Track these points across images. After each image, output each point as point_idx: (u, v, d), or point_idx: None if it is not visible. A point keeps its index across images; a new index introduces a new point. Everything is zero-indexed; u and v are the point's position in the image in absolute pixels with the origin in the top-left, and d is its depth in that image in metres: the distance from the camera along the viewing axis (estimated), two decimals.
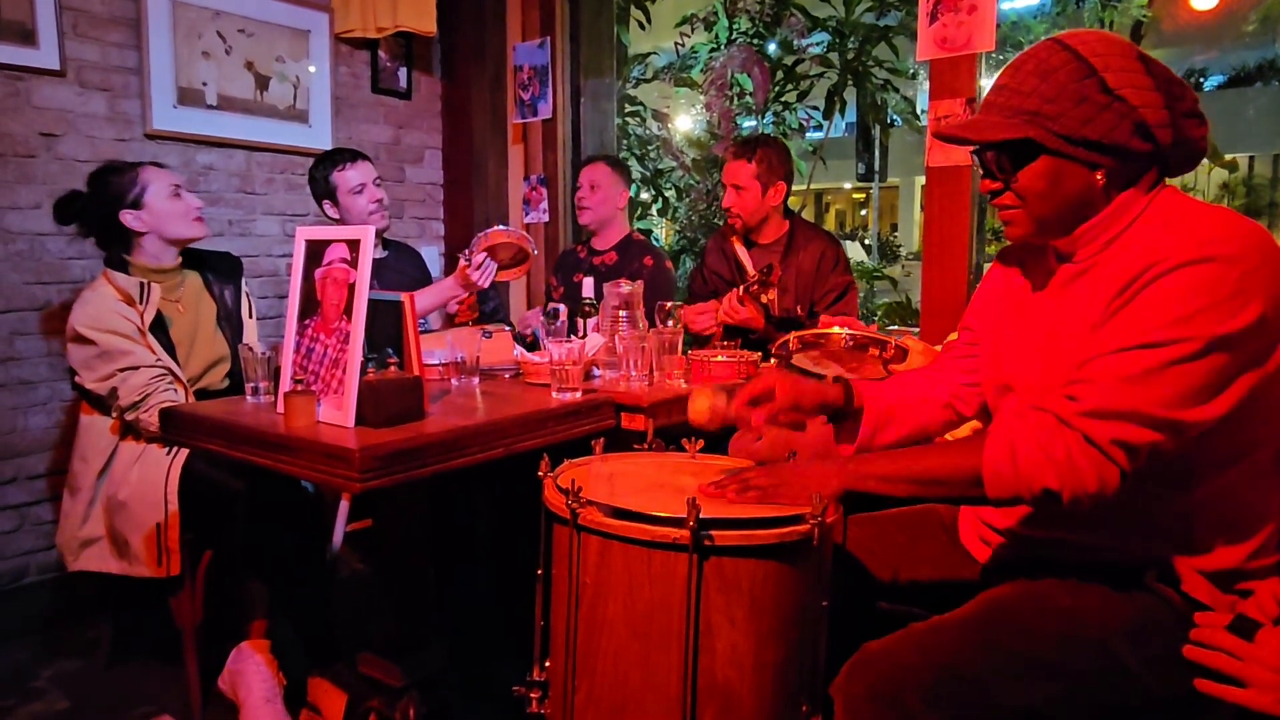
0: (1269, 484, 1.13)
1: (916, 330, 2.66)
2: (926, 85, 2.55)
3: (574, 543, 1.14)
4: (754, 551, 1.08)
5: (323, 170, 2.56)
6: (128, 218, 2.12)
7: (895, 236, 16.96)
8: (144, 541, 2.02)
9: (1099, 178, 1.09)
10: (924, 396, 1.37)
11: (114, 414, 2.07)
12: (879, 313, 6.96)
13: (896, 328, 4.91)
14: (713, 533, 1.07)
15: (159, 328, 2.12)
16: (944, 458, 1.11)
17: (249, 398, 1.72)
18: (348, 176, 2.53)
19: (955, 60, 2.40)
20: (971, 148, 1.16)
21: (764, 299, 2.47)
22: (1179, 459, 1.06)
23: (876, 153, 11.91)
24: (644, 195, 6.21)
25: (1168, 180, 1.14)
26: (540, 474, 1.26)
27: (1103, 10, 7.25)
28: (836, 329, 2.06)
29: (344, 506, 2.36)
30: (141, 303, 2.09)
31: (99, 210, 2.14)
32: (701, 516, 1.05)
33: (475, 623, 2.12)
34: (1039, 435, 1.02)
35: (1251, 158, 12.02)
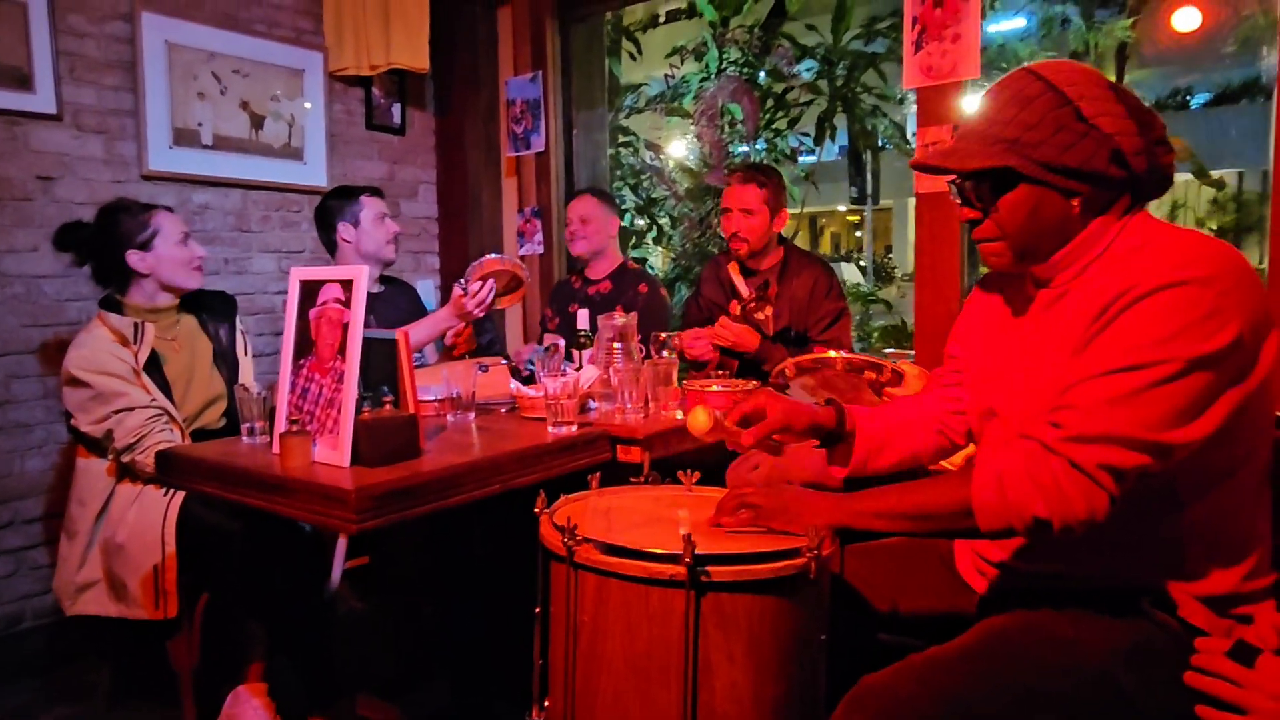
0: (1257, 504, 1.13)
1: (912, 354, 2.67)
2: (915, 109, 2.58)
3: (571, 580, 1.14)
4: (751, 587, 1.08)
5: (348, 195, 2.62)
6: (133, 258, 2.14)
7: (890, 258, 17.01)
8: (141, 584, 2.01)
9: (1075, 205, 1.10)
10: (916, 423, 1.37)
11: (110, 456, 2.06)
12: (874, 335, 6.98)
13: (893, 351, 4.93)
14: (709, 569, 1.07)
15: (154, 367, 2.12)
16: (934, 492, 1.11)
17: (245, 438, 1.73)
18: (377, 202, 2.63)
19: (941, 88, 2.43)
20: (951, 177, 1.17)
21: (759, 316, 2.48)
22: (1166, 482, 1.06)
23: (868, 176, 12.00)
24: (639, 223, 6.25)
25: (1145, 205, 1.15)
26: (536, 511, 1.26)
27: (1087, 32, 7.34)
28: (833, 353, 2.07)
29: (342, 543, 2.35)
30: (135, 343, 2.10)
31: (104, 246, 2.15)
32: (697, 553, 1.05)
33: (474, 660, 2.10)
34: (1025, 464, 1.02)
35: (1240, 174, 12.10)
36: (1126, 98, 1.10)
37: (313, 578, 2.15)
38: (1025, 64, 1.19)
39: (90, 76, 2.70)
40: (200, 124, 2.96)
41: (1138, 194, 1.13)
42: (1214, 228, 10.99)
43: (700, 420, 1.25)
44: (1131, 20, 7.49)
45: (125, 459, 2.03)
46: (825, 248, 21.97)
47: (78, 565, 2.09)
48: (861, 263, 16.32)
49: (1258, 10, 7.11)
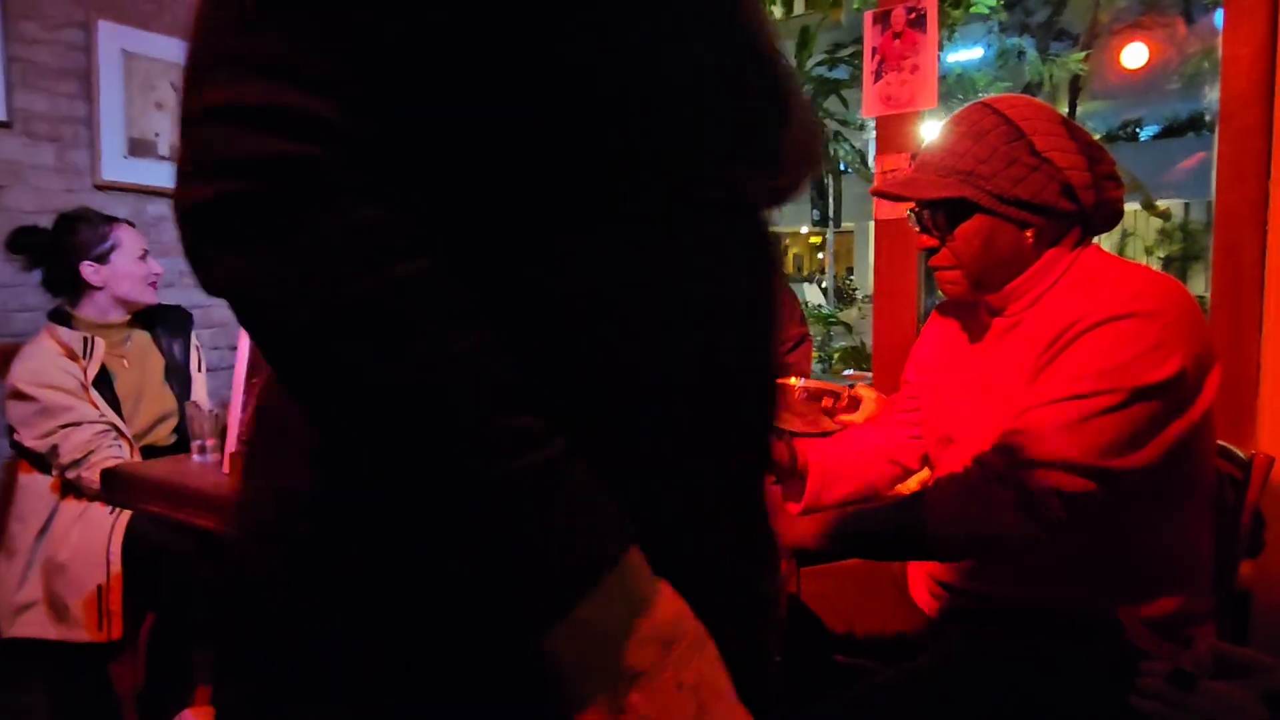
0: (1201, 530, 1.17)
1: (870, 376, 2.71)
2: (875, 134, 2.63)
3: None
4: None
5: None
6: (88, 270, 2.09)
7: (851, 280, 17.29)
8: (84, 605, 1.95)
9: (1028, 236, 1.13)
10: (869, 452, 1.39)
11: (55, 472, 2.01)
12: (835, 356, 7.06)
13: (852, 372, 4.99)
14: None
15: (103, 383, 2.07)
16: (890, 519, 1.13)
17: (195, 456, 1.69)
18: None
19: (900, 117, 2.48)
20: (910, 205, 1.20)
21: None
22: (1113, 508, 1.09)
23: (830, 199, 12.19)
24: None
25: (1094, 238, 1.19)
26: None
27: (1042, 65, 7.56)
28: (792, 380, 2.08)
29: None
30: (85, 358, 2.05)
31: (59, 254, 2.10)
32: None
33: None
34: (976, 488, 1.04)
35: (1186, 204, 12.51)
36: (1078, 133, 1.13)
37: None
38: (982, 94, 1.22)
39: (44, 84, 2.65)
40: (158, 134, 2.91)
41: (1088, 227, 1.16)
42: (1162, 257, 11.32)
43: None
44: (1084, 54, 7.73)
45: (70, 475, 1.98)
46: (788, 269, 22.22)
47: (16, 585, 2.02)
48: (823, 284, 16.55)
49: (1200, 49, 7.39)
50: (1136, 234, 11.49)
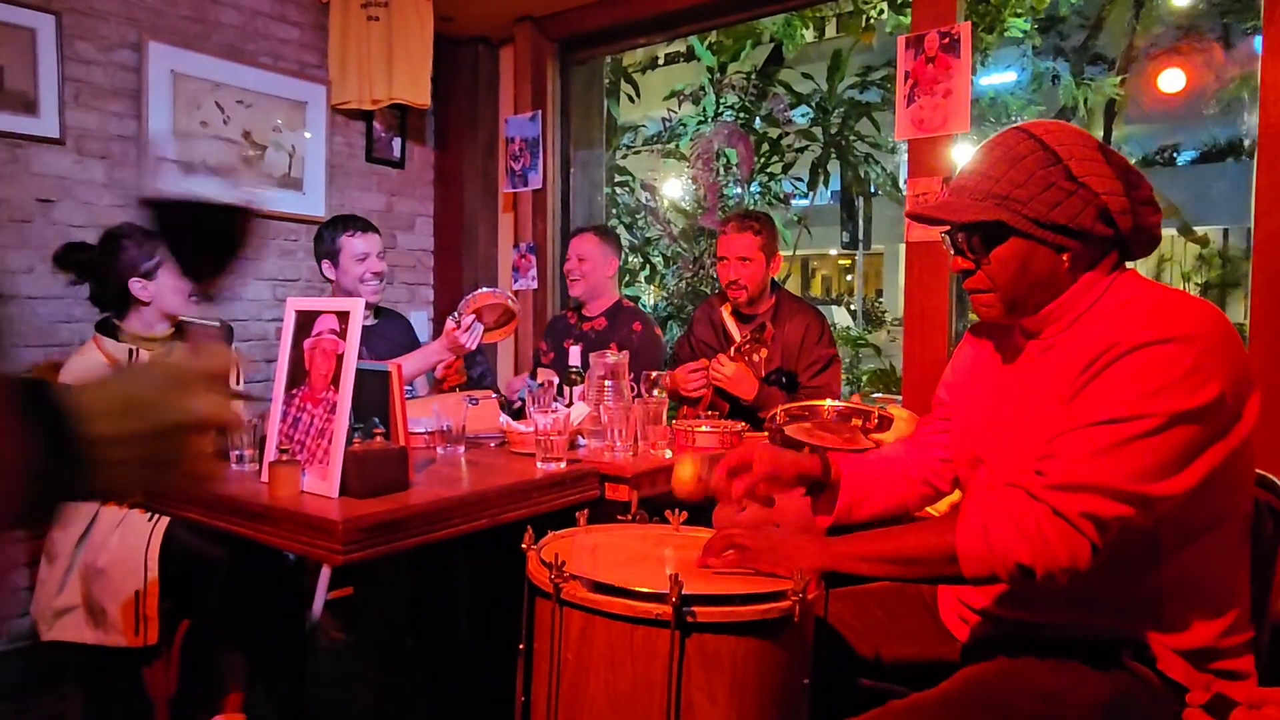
0: (1237, 560, 1.15)
1: (899, 399, 2.69)
2: (907, 157, 2.63)
3: (556, 617, 1.14)
4: (736, 628, 1.09)
5: (333, 231, 2.57)
6: (135, 286, 2.15)
7: (880, 303, 17.17)
8: (122, 610, 1.99)
9: (1065, 260, 1.13)
10: (901, 472, 1.39)
11: None
12: (864, 379, 7.02)
13: (881, 395, 4.96)
14: (694, 609, 1.07)
15: None
16: (919, 538, 1.12)
17: (233, 465, 1.72)
18: (356, 243, 2.55)
19: (932, 140, 2.48)
20: (944, 227, 1.21)
21: (755, 357, 2.49)
22: (1149, 536, 1.08)
23: (860, 221, 12.16)
24: (632, 261, 6.31)
25: (1128, 264, 1.19)
26: (524, 547, 1.26)
27: (1076, 89, 7.51)
28: (824, 403, 2.08)
29: (325, 573, 2.34)
30: None
31: (107, 271, 2.15)
32: (684, 593, 1.06)
33: (455, 696, 2.08)
34: (1010, 510, 1.04)
35: (1225, 230, 12.30)
36: (1114, 158, 1.13)
37: (294, 607, 2.14)
38: (1015, 118, 1.23)
39: (95, 102, 2.74)
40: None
41: (1125, 251, 1.16)
42: (1199, 283, 11.14)
43: (685, 475, 1.26)
44: (1120, 78, 7.67)
45: None
46: (816, 291, 22.16)
47: (56, 590, 2.07)
48: (852, 306, 16.46)
49: (1240, 74, 7.30)
50: (1173, 260, 11.33)
